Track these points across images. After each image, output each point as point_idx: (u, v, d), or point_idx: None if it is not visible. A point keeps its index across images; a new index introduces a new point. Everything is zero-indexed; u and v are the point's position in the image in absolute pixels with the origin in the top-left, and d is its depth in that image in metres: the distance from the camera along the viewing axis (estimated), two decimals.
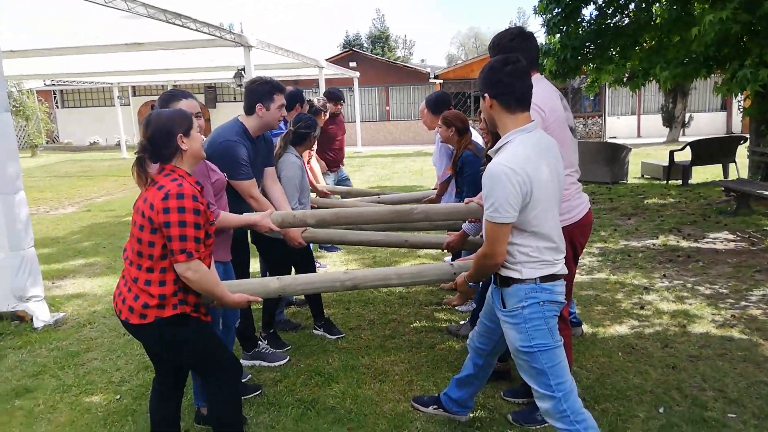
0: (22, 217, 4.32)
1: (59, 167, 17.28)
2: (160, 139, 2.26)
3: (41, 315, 4.40)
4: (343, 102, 6.28)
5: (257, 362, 3.58)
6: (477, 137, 4.09)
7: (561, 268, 2.26)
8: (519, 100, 2.18)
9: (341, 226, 3.56)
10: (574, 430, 2.18)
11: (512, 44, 2.68)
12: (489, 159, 2.45)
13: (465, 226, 3.47)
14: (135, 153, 2.28)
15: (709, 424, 2.80)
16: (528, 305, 2.19)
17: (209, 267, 2.38)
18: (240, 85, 14.03)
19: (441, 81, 23.18)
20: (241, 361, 3.44)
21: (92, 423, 3.03)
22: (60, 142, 25.77)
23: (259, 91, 3.26)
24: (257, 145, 3.34)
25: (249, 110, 3.29)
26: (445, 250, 3.89)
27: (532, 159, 2.11)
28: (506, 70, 2.16)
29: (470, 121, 4.06)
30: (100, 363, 3.75)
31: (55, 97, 25.95)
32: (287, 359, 3.64)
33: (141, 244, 2.22)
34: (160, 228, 2.17)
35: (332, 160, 6.20)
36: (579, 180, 2.88)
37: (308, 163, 5.19)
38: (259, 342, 3.68)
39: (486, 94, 2.21)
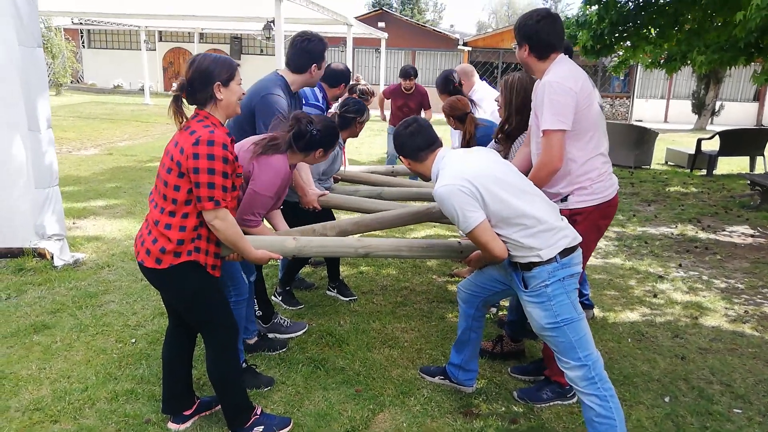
0: (48, 155, 4.36)
1: (83, 108, 17.36)
2: (198, 82, 2.24)
3: (62, 254, 4.48)
4: (410, 78, 6.61)
5: (273, 335, 3.46)
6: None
7: (573, 237, 2.34)
8: (423, 149, 2.53)
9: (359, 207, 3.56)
10: (601, 396, 2.27)
11: (538, 26, 2.66)
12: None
13: None
14: (172, 91, 2.29)
15: (713, 417, 2.82)
16: (551, 283, 2.26)
17: None
18: (268, 38, 13.90)
19: (469, 48, 22.76)
20: (269, 336, 3.42)
21: (107, 363, 3.11)
22: (84, 83, 25.80)
23: (315, 52, 3.19)
24: (294, 102, 3.29)
25: (299, 68, 3.21)
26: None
27: (463, 167, 2.35)
28: (406, 133, 2.55)
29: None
30: (117, 306, 3.84)
31: (81, 36, 25.87)
32: (305, 329, 3.55)
33: (167, 187, 2.23)
34: (188, 173, 2.18)
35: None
36: None
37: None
38: (276, 313, 3.58)
39: (400, 156, 2.62)
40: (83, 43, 26.05)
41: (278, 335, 3.45)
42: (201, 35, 23.94)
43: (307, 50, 3.20)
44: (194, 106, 2.31)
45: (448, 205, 2.27)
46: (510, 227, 2.28)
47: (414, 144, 2.53)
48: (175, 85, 2.31)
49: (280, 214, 3.08)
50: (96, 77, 25.79)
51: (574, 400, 2.86)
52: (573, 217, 2.69)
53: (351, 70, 4.43)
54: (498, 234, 2.30)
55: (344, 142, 3.78)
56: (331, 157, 3.63)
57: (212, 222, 2.23)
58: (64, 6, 13.25)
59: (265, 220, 2.91)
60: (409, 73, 6.57)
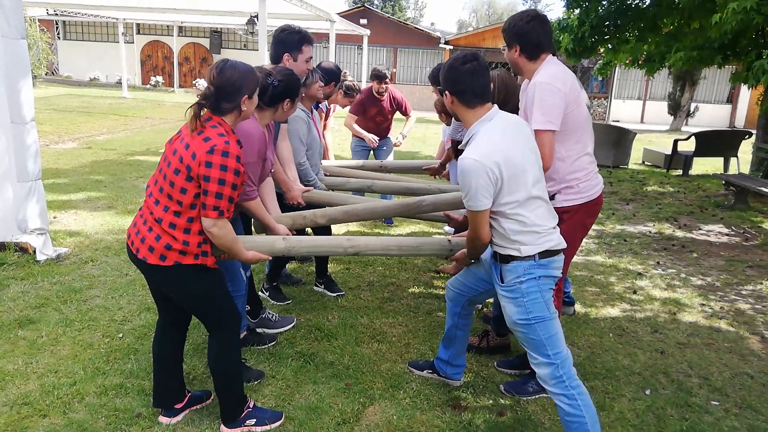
0: (31, 148, 4.29)
1: (59, 101, 17.04)
2: (227, 92, 2.23)
3: (44, 248, 4.42)
4: (384, 81, 5.58)
5: (261, 329, 3.46)
6: None
7: (558, 242, 2.34)
8: (477, 96, 2.32)
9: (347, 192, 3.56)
10: (569, 394, 2.30)
11: (529, 26, 2.71)
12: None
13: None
14: (198, 96, 2.25)
15: (692, 409, 2.91)
16: (525, 280, 2.28)
17: None
18: (252, 33, 13.80)
19: (451, 47, 22.86)
20: (258, 330, 3.44)
21: (95, 358, 3.10)
22: (60, 75, 25.30)
23: (288, 41, 3.21)
24: None
25: (275, 59, 3.25)
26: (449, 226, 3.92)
27: (498, 146, 2.23)
28: (464, 69, 2.31)
29: None
30: (102, 301, 3.81)
31: (57, 28, 25.36)
32: (293, 324, 3.56)
33: (173, 187, 2.22)
34: (198, 179, 2.18)
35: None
36: None
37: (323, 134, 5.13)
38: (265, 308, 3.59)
39: (447, 92, 2.37)
40: (58, 34, 25.54)
41: (266, 330, 3.46)
42: (180, 29, 23.66)
43: (279, 40, 3.25)
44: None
45: (468, 179, 2.20)
46: (506, 219, 2.28)
47: (472, 85, 2.31)
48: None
49: (274, 196, 3.10)
50: (72, 69, 25.30)
51: None
52: (560, 215, 2.75)
53: (342, 69, 4.43)
54: (493, 217, 2.31)
55: (308, 111, 3.70)
56: (305, 127, 3.64)
57: (210, 229, 2.24)
58: None
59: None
60: (383, 75, 5.53)
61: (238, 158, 2.20)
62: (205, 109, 2.27)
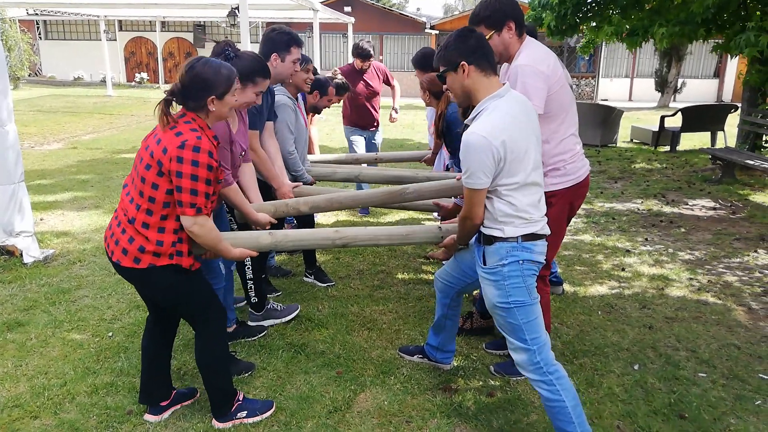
0: (12, 150, 4.26)
1: (43, 102, 16.89)
2: (192, 90, 2.20)
3: (31, 250, 4.40)
4: (368, 59, 5.60)
5: (268, 321, 3.47)
6: None
7: (542, 227, 2.32)
8: (490, 61, 2.27)
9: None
10: (546, 380, 2.28)
11: (515, 3, 2.68)
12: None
13: (458, 200, 3.48)
14: (165, 92, 2.22)
15: (680, 382, 2.94)
16: (508, 263, 2.25)
17: None
18: (233, 25, 13.68)
19: (437, 32, 22.74)
20: (249, 323, 3.44)
21: (85, 358, 3.10)
22: (43, 76, 25.01)
23: (276, 41, 3.18)
24: (265, 95, 3.26)
25: (264, 58, 3.22)
26: (437, 216, 3.91)
27: (506, 126, 2.17)
28: (473, 35, 2.27)
29: None
30: (91, 300, 3.80)
31: (38, 27, 25.03)
32: (298, 310, 3.56)
33: (144, 183, 2.19)
34: (170, 174, 2.15)
35: (356, 119, 5.82)
36: None
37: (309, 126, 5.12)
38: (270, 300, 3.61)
39: (463, 62, 2.23)
40: (40, 34, 25.21)
41: (274, 321, 3.48)
42: (163, 23, 23.43)
43: (268, 38, 3.23)
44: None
45: (470, 155, 2.14)
46: (499, 199, 2.24)
47: (484, 49, 2.25)
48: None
49: (255, 185, 3.09)
50: (55, 70, 25.02)
51: None
52: (547, 199, 2.74)
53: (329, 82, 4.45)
54: (487, 196, 2.26)
55: (293, 99, 3.69)
56: (293, 115, 3.61)
57: (191, 228, 2.21)
58: None
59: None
60: (368, 54, 5.54)
61: (211, 153, 2.17)
62: (179, 106, 2.24)
